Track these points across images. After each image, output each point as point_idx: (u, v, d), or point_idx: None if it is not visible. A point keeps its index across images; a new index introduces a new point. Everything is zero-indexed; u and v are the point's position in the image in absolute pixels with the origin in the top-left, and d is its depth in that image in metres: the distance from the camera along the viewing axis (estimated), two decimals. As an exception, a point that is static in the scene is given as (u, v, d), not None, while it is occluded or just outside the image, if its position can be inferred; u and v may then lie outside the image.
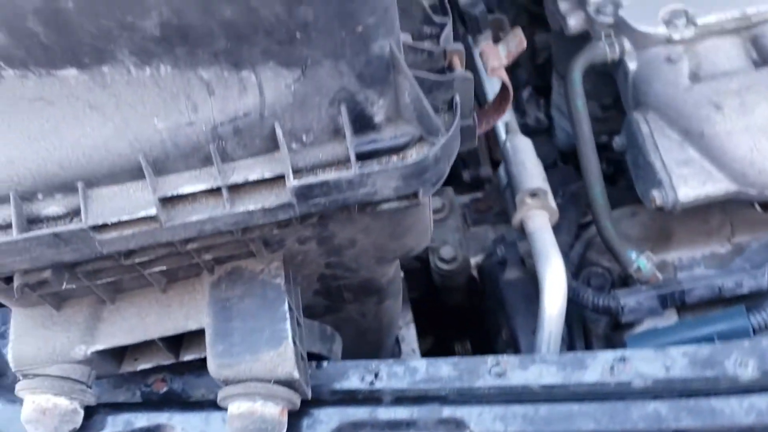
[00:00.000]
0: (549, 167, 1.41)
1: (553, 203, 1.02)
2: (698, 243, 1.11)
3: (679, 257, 1.11)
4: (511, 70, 1.48)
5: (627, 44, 1.05)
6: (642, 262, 1.02)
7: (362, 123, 0.60)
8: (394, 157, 0.62)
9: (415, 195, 0.64)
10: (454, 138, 0.62)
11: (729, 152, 0.95)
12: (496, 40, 1.46)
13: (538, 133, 1.46)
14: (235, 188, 0.60)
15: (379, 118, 0.60)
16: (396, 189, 0.62)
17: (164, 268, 0.70)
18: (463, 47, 0.64)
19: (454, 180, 1.49)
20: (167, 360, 0.78)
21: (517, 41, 0.63)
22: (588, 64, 1.06)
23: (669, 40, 1.02)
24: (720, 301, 1.02)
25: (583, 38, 1.12)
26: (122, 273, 0.70)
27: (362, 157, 0.61)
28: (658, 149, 0.98)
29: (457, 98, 0.62)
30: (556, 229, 1.09)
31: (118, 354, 0.78)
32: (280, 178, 0.60)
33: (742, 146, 0.94)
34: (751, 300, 1.01)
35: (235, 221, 0.61)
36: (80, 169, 0.59)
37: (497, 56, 0.64)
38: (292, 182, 0.59)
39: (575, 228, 1.18)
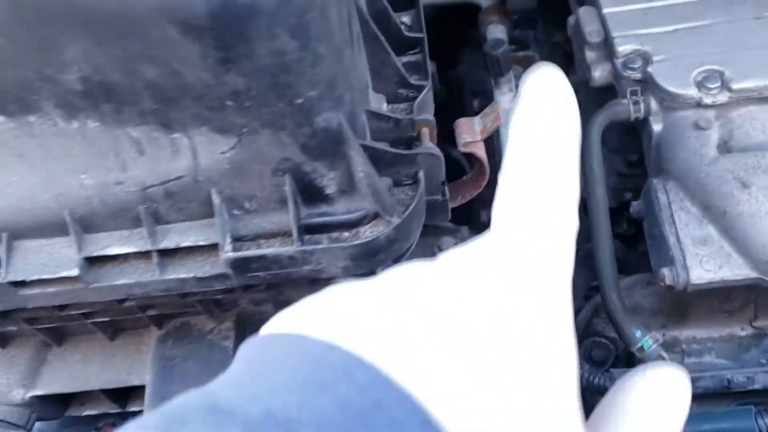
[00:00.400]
0: (570, 218, 1.33)
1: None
2: (716, 322, 1.02)
3: (693, 336, 1.03)
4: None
5: (653, 104, 0.96)
6: (647, 342, 0.94)
7: (311, 194, 0.55)
8: (346, 233, 0.56)
9: (373, 272, 0.58)
10: (414, 217, 0.56)
11: (751, 236, 0.86)
12: (527, 78, 1.39)
13: (562, 180, 1.38)
14: (167, 253, 0.55)
15: (330, 190, 0.55)
16: (345, 269, 0.56)
17: (106, 319, 0.66)
18: (434, 119, 0.57)
19: (470, 219, 1.43)
20: (113, 409, 0.74)
21: (494, 116, 0.56)
22: (609, 122, 0.99)
23: (700, 104, 0.93)
24: (729, 394, 0.93)
25: (611, 89, 1.05)
26: (62, 321, 0.66)
27: (310, 229, 0.56)
28: (674, 223, 0.90)
29: (421, 174, 0.56)
30: (562, 292, 1.02)
31: (64, 397, 0.75)
32: (216, 246, 0.55)
33: (766, 231, 0.85)
34: (764, 396, 0.92)
35: (166, 287, 0.57)
36: (5, 219, 0.55)
37: (471, 131, 0.58)
38: (227, 253, 0.54)
39: (584, 292, 1.10)
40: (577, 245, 1.16)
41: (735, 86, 0.92)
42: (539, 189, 0.36)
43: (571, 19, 1.11)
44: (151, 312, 0.65)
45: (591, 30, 1.03)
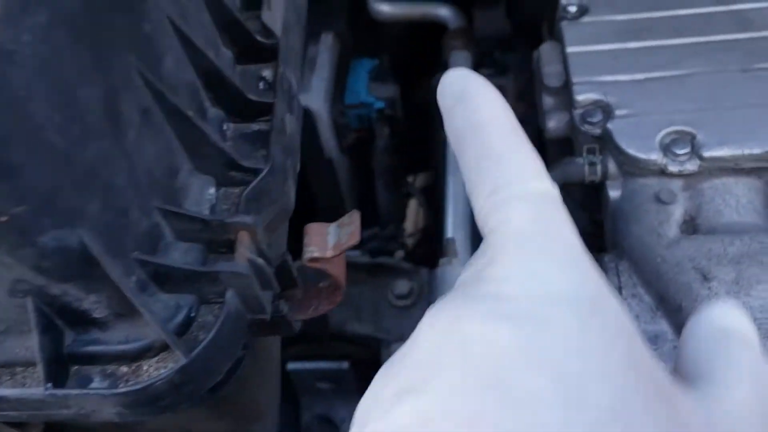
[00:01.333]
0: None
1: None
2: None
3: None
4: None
5: (612, 166, 0.82)
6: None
7: (76, 318, 0.42)
8: (124, 368, 0.43)
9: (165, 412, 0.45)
10: (216, 350, 0.43)
11: (708, 341, 0.71)
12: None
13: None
14: None
15: (100, 314, 0.42)
16: (120, 414, 0.43)
17: None
18: (254, 220, 0.44)
19: (431, 260, 1.29)
20: None
21: (351, 230, 0.43)
22: (560, 183, 0.84)
23: (664, 172, 0.78)
24: None
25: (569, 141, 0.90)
26: None
27: (80, 358, 0.43)
28: (622, 314, 0.76)
29: (230, 294, 0.43)
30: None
31: None
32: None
33: (726, 338, 0.71)
34: None
35: None
36: None
37: (322, 243, 0.44)
38: (-46, 390, 0.41)
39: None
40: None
41: (707, 154, 0.77)
42: (500, 183, 0.36)
43: (535, 54, 0.97)
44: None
45: (550, 72, 0.89)
